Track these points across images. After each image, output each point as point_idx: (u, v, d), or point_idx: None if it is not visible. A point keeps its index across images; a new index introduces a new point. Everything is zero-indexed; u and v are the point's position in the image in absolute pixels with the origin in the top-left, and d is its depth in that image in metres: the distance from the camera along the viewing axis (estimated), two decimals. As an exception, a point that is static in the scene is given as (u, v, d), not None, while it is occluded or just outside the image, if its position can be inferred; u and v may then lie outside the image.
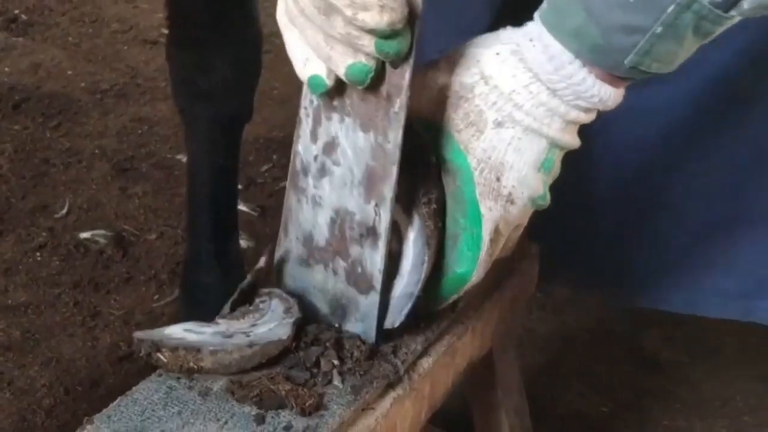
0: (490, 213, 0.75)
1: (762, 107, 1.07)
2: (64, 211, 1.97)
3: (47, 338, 1.62)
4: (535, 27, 0.73)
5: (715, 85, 1.06)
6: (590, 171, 1.14)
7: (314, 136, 0.76)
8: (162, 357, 0.73)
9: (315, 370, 0.72)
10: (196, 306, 1.44)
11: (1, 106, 2.36)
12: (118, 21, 2.96)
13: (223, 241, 1.39)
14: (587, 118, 0.75)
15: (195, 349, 0.72)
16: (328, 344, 0.74)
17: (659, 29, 0.67)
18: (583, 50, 0.70)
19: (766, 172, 1.10)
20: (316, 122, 0.76)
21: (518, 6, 0.78)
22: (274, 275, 0.83)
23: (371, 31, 0.66)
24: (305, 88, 0.75)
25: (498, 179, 0.74)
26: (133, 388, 0.73)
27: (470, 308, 0.86)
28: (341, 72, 0.69)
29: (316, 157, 0.76)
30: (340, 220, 0.76)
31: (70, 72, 2.59)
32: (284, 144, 2.32)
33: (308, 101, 0.76)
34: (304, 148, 0.77)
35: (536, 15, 0.74)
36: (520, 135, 0.74)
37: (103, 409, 0.70)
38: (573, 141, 0.77)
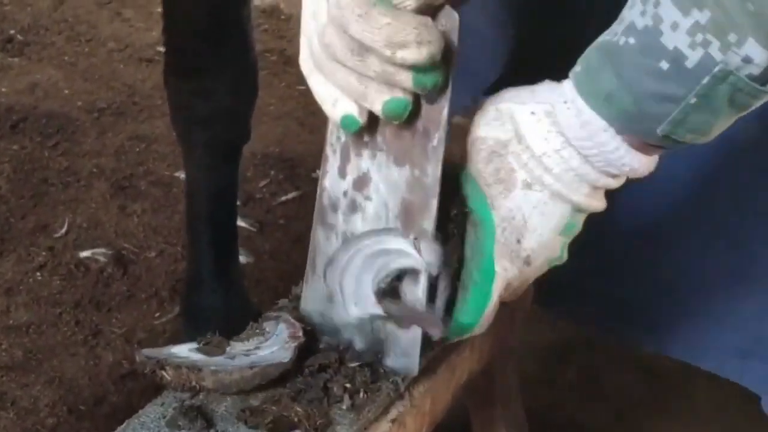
0: (504, 273, 0.75)
1: (766, 162, 1.04)
2: (64, 230, 1.98)
3: (49, 358, 1.63)
4: (569, 88, 0.71)
5: (720, 138, 1.04)
6: (599, 215, 1.11)
7: (342, 173, 0.76)
8: (165, 375, 0.74)
9: (322, 393, 0.73)
10: (197, 325, 1.45)
11: (-1, 126, 2.38)
12: (114, 40, 2.97)
13: (224, 260, 1.41)
14: (616, 183, 0.75)
15: (197, 369, 0.74)
16: (333, 369, 0.75)
17: (693, 100, 0.65)
18: (614, 116, 0.69)
19: None
20: (345, 159, 0.76)
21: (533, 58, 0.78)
22: (302, 313, 0.83)
23: (409, 67, 0.66)
24: (330, 126, 0.76)
25: (519, 241, 0.74)
26: (140, 411, 0.74)
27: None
28: (377, 109, 0.69)
29: (345, 193, 0.76)
30: None
31: (67, 91, 2.61)
32: (281, 159, 2.34)
33: (335, 138, 0.76)
34: (332, 184, 0.77)
35: (570, 74, 0.72)
36: (547, 199, 0.73)
37: (106, 428, 0.71)
38: (599, 204, 0.76)
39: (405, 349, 0.76)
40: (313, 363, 0.76)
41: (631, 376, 1.70)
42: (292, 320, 0.80)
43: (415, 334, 0.75)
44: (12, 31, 2.92)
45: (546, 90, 0.74)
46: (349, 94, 0.70)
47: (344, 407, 0.73)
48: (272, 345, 0.76)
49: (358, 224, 0.76)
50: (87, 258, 1.90)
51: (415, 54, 0.65)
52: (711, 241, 1.09)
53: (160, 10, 1.48)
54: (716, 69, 0.64)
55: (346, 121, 0.71)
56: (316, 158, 2.60)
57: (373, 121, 0.72)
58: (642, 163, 0.72)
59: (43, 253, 1.90)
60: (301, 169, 2.33)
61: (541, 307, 1.05)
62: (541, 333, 1.76)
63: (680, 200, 1.10)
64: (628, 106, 0.68)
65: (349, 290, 0.76)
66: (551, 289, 1.03)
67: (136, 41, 3.00)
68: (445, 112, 0.70)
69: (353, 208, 0.76)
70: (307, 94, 2.62)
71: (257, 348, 0.77)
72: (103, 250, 1.93)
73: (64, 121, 2.43)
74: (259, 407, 0.71)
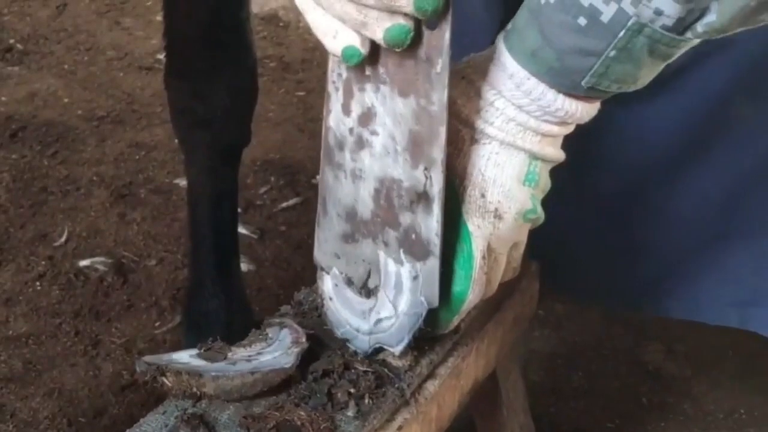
0: (479, 230, 0.75)
1: (759, 119, 1.08)
2: (63, 239, 1.97)
3: (49, 369, 1.61)
4: (497, 48, 0.75)
5: (711, 97, 1.07)
6: (587, 183, 1.16)
7: (347, 109, 0.75)
8: (166, 381, 0.73)
9: (326, 399, 0.72)
10: (198, 333, 1.44)
11: (-1, 135, 2.37)
12: (114, 48, 2.97)
13: (225, 267, 1.39)
14: (561, 131, 0.76)
15: (197, 374, 0.73)
16: (337, 374, 0.74)
17: (612, 53, 0.68)
18: (541, 72, 0.72)
19: (762, 183, 1.11)
20: (348, 95, 0.74)
21: None
22: (316, 256, 0.81)
23: None
24: (331, 62, 0.75)
25: (483, 195, 0.75)
26: (141, 420, 0.72)
27: (473, 329, 0.86)
28: (379, 37, 0.68)
29: (351, 130, 0.75)
30: (385, 189, 0.75)
31: (66, 100, 2.60)
32: (281, 165, 2.33)
33: (336, 75, 0.75)
34: (337, 123, 0.76)
35: (500, 36, 0.75)
36: (497, 149, 0.75)
37: (107, 439, 0.70)
38: (555, 154, 0.78)
39: (424, 281, 0.75)
40: (316, 368, 0.75)
41: (635, 380, 1.68)
42: (296, 326, 0.78)
43: (431, 264, 0.74)
44: (11, 41, 2.91)
45: (475, 57, 0.77)
46: (350, 25, 0.69)
47: (350, 414, 0.71)
48: (275, 350, 0.75)
49: (366, 160, 0.75)
50: (86, 267, 1.89)
51: None
52: (702, 199, 1.15)
53: (159, 18, 1.47)
54: (630, 22, 0.66)
55: (348, 53, 0.70)
56: (316, 164, 2.57)
57: (374, 53, 0.71)
58: (578, 109, 0.74)
59: (43, 263, 1.89)
60: (302, 175, 2.31)
61: (541, 296, 1.06)
62: (546, 339, 1.74)
63: (669, 160, 1.14)
64: (552, 62, 0.70)
65: None
66: (551, 274, 1.05)
67: (135, 50, 2.99)
68: (447, 36, 0.69)
69: (360, 144, 0.75)
70: (306, 100, 2.62)
71: (259, 354, 0.75)
72: (102, 258, 1.91)
73: (64, 129, 2.42)
74: (262, 414, 0.70)
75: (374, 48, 0.71)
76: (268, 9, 3.18)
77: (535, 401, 1.22)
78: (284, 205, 2.17)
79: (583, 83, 0.71)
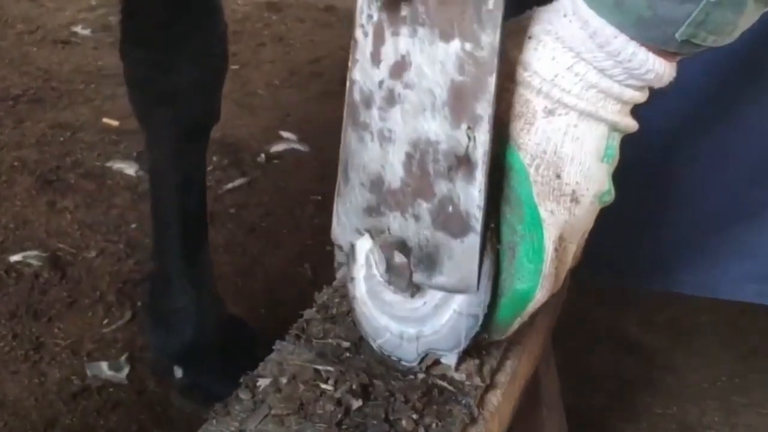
0: (552, 217, 0.65)
1: None
2: (-12, 232, 1.78)
3: (-14, 378, 1.45)
4: (568, 1, 0.63)
5: (734, 72, 1.00)
6: None
7: (376, 58, 0.64)
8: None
9: (387, 428, 0.60)
10: (166, 332, 1.30)
11: None
12: (23, 21, 2.74)
13: (194, 258, 1.25)
14: (642, 97, 0.66)
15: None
16: (386, 394, 0.62)
17: None
18: (626, 24, 0.61)
19: None
20: (378, 41, 0.63)
21: None
22: (335, 232, 0.69)
23: None
24: (360, 2, 0.63)
25: (558, 176, 0.65)
26: None
27: (523, 324, 0.76)
28: None
29: (381, 83, 0.64)
30: (419, 153, 0.64)
31: (-26, 78, 2.38)
32: (223, 144, 2.18)
33: (365, 17, 0.63)
34: (364, 75, 0.64)
35: None
36: (576, 121, 0.64)
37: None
38: (632, 123, 0.68)
39: (459, 260, 0.64)
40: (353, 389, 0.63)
41: (616, 354, 1.63)
42: None
43: (471, 242, 0.63)
44: None
45: (536, 12, 0.65)
46: None
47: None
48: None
49: (398, 119, 0.64)
50: (18, 262, 1.71)
51: None
52: (722, 174, 1.08)
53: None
54: None
55: None
56: (259, 141, 2.45)
57: None
58: (666, 71, 0.64)
59: (-34, 260, 1.70)
60: (246, 153, 2.17)
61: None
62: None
63: (690, 135, 1.07)
64: (641, 10, 0.60)
65: None
66: None
67: (47, 22, 2.77)
68: None
69: (391, 100, 0.64)
70: (242, 74, 2.45)
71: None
72: (35, 252, 1.74)
73: (-24, 110, 2.22)
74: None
75: None
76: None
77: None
78: (230, 186, 2.03)
79: (677, 35, 0.60)
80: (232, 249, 1.79)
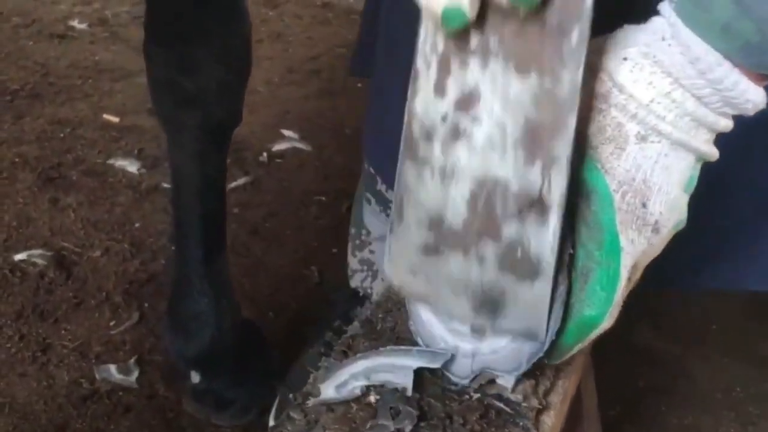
0: (631, 246, 0.63)
1: None
2: (-10, 230, 1.75)
3: (-7, 380, 1.42)
4: (666, 23, 0.60)
5: None
6: None
7: (441, 90, 0.60)
8: None
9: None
10: (187, 336, 1.27)
11: None
12: (19, 14, 2.69)
13: (214, 261, 1.22)
14: (730, 126, 0.64)
15: None
16: (442, 414, 0.60)
17: None
18: (732, 50, 0.58)
19: None
20: (443, 72, 0.59)
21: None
22: (387, 271, 0.66)
23: None
24: (423, 29, 0.60)
25: (644, 205, 0.62)
26: None
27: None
28: None
29: (445, 117, 0.60)
30: (485, 192, 0.61)
31: (-29, 72, 2.34)
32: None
33: (429, 46, 0.59)
34: (425, 107, 0.61)
35: (666, 7, 0.61)
36: (667, 150, 0.62)
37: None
38: (716, 152, 0.65)
39: (526, 307, 0.61)
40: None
41: (629, 362, 1.62)
42: None
43: (541, 287, 0.61)
44: None
45: (631, 32, 0.63)
46: None
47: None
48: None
49: (463, 155, 0.60)
50: (23, 261, 1.68)
51: None
52: (759, 176, 1.04)
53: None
54: None
55: (449, 15, 0.55)
56: (260, 139, 2.42)
57: (482, 18, 0.57)
58: (761, 96, 0.62)
59: (-31, 258, 1.67)
60: (248, 152, 2.14)
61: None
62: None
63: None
64: (750, 36, 0.57)
65: None
66: None
67: (43, 16, 2.72)
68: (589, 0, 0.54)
69: (455, 134, 0.60)
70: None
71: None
72: (40, 251, 1.70)
73: (-28, 105, 2.17)
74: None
75: (482, 11, 0.56)
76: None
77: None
78: (233, 185, 2.00)
79: None
80: (236, 249, 1.76)
